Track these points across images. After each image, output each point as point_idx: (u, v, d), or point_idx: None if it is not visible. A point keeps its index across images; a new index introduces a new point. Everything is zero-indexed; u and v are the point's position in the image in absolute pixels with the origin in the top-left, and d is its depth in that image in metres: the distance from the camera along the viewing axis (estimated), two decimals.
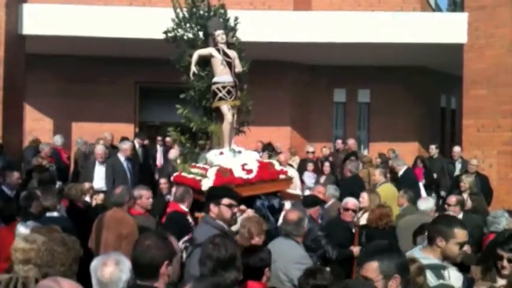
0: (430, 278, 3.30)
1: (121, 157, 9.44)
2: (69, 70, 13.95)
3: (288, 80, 14.45)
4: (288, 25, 12.18)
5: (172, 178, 7.99)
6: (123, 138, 11.35)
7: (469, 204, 7.67)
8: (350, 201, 6.76)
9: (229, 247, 3.25)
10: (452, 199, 7.20)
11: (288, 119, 14.58)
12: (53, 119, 14.25)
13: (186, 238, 5.25)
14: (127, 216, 5.76)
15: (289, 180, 7.64)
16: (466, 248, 3.45)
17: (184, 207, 6.34)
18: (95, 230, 5.68)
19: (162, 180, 8.53)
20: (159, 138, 13.13)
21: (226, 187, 5.11)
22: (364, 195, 7.30)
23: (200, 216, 6.29)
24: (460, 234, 3.42)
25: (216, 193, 4.46)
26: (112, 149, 11.03)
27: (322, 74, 14.93)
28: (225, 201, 4.26)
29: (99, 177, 9.39)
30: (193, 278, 1.99)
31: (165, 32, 8.58)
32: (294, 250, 4.55)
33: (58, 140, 11.17)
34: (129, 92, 14.41)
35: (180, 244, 4.73)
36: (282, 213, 7.23)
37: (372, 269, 2.63)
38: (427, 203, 6.89)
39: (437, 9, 17.12)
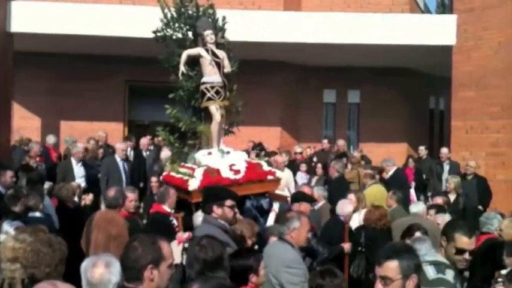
0: (431, 271, 3.38)
1: (117, 157, 9.41)
2: (58, 68, 13.85)
3: (278, 80, 14.45)
4: (277, 25, 12.19)
5: (161, 177, 7.99)
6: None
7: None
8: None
9: (216, 248, 3.24)
10: (438, 200, 7.26)
11: (278, 119, 14.58)
12: (41, 117, 14.14)
13: (185, 237, 5.24)
14: (117, 216, 5.76)
15: (277, 181, 7.60)
16: (467, 257, 3.47)
17: (166, 208, 6.33)
18: (86, 229, 5.67)
19: (153, 179, 8.51)
20: (148, 137, 13.06)
21: (225, 188, 5.14)
22: (352, 196, 7.31)
23: (179, 217, 6.32)
24: (460, 239, 3.46)
25: (219, 194, 4.51)
26: (107, 147, 10.99)
27: (312, 75, 14.95)
28: (228, 202, 4.36)
29: (79, 176, 9.29)
30: (199, 279, 1.97)
31: (154, 32, 8.56)
32: (286, 253, 4.49)
33: (51, 139, 11.13)
34: (118, 90, 14.34)
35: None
36: (270, 214, 7.26)
37: (392, 267, 2.68)
38: (418, 206, 6.92)
39: (427, 11, 17.21)
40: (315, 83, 15.12)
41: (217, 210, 4.32)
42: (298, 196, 6.72)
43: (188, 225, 6.09)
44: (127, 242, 2.88)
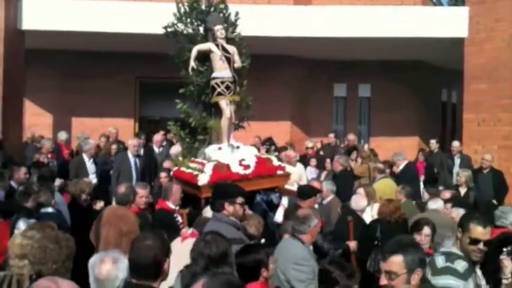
0: (440, 260, 3.45)
1: (129, 154, 9.47)
2: (69, 65, 13.94)
3: (288, 75, 14.41)
4: (288, 19, 12.14)
5: (171, 172, 8.01)
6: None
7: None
8: None
9: (220, 244, 3.25)
10: (446, 194, 7.23)
11: (288, 113, 14.55)
12: (53, 114, 14.26)
13: (189, 234, 5.23)
14: (128, 213, 5.76)
15: (286, 176, 7.58)
16: (481, 247, 3.46)
17: (170, 204, 6.29)
18: (95, 225, 5.69)
19: (162, 174, 8.54)
20: (161, 133, 13.03)
21: (235, 185, 5.09)
22: (361, 191, 7.26)
23: (184, 213, 6.28)
24: (474, 229, 3.47)
25: (230, 192, 4.46)
26: (118, 143, 11.00)
27: (323, 69, 14.89)
28: (239, 199, 4.32)
29: (91, 173, 9.39)
30: (207, 274, 1.99)
31: (165, 27, 8.59)
32: (296, 250, 4.47)
33: (62, 135, 11.20)
34: (129, 86, 14.40)
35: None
36: (279, 209, 7.22)
37: (397, 262, 2.72)
38: (436, 202, 6.82)
39: (438, 3, 17.05)
40: (325, 77, 15.06)
41: (228, 208, 4.28)
42: (306, 191, 6.59)
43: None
44: (134, 241, 2.91)
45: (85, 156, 9.51)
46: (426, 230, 5.14)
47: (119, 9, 11.89)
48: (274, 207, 7.39)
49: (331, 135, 12.88)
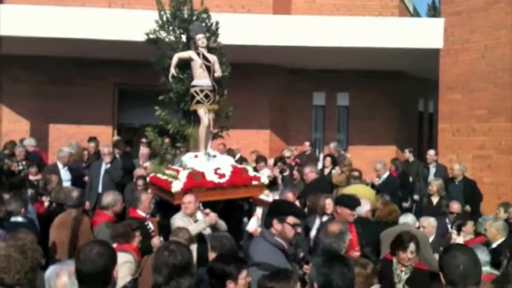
0: None
1: (102, 161, 9.48)
2: (47, 71, 13.82)
3: (267, 83, 14.49)
4: (267, 29, 12.22)
5: (148, 179, 8.04)
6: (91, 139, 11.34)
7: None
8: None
9: (184, 254, 3.25)
10: (454, 206, 7.40)
11: (267, 122, 14.61)
12: (30, 120, 14.11)
13: (157, 243, 5.20)
14: (81, 216, 5.86)
15: (261, 186, 7.63)
16: None
17: (140, 212, 6.29)
18: (51, 231, 5.77)
19: (139, 182, 8.45)
20: (143, 140, 12.79)
21: (292, 204, 4.73)
22: (329, 201, 7.22)
23: (155, 221, 6.36)
24: None
25: (282, 209, 4.13)
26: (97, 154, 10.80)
27: (302, 78, 15.01)
28: (290, 219, 3.95)
29: (65, 180, 9.34)
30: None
31: (147, 34, 8.61)
32: None
33: (31, 141, 11.02)
34: (107, 93, 14.31)
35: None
36: (252, 219, 7.23)
37: None
38: (407, 217, 6.83)
39: (416, 14, 17.30)
40: (304, 86, 15.17)
41: (276, 226, 3.93)
42: (341, 200, 6.06)
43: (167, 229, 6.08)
44: (81, 251, 2.83)
45: (59, 164, 9.48)
46: (412, 246, 5.04)
47: (96, 16, 11.85)
48: (243, 212, 7.43)
49: (307, 143, 12.90)
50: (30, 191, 7.53)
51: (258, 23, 12.33)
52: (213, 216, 6.27)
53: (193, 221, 6.12)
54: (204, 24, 8.52)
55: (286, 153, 12.01)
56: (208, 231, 6.16)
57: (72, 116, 13.88)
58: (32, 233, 4.13)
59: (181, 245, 3.36)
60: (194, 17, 8.61)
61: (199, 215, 6.36)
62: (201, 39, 7.82)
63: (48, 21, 11.61)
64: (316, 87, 15.40)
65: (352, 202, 5.87)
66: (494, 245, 5.85)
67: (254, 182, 7.50)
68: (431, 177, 10.20)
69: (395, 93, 15.36)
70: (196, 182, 6.94)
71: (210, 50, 8.06)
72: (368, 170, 11.61)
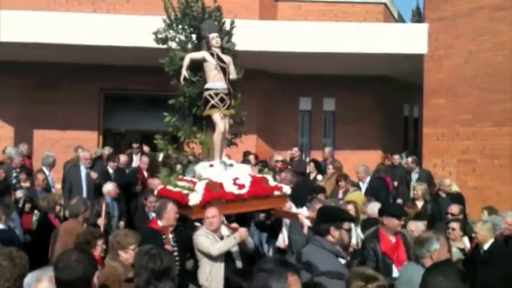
0: None
1: (81, 166, 9.27)
2: (32, 77, 13.72)
3: (254, 88, 14.44)
4: (253, 34, 12.25)
5: (156, 192, 7.37)
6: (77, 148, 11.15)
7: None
8: None
9: (165, 258, 3.22)
10: (454, 209, 7.46)
11: (254, 126, 14.58)
12: (14, 126, 13.97)
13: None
14: (78, 226, 5.71)
15: (284, 197, 6.96)
16: None
17: (160, 223, 5.82)
18: (51, 241, 5.65)
19: (150, 199, 7.77)
20: (135, 145, 12.49)
21: (342, 209, 4.58)
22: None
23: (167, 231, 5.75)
24: None
25: (337, 215, 4.02)
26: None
27: (288, 83, 15.06)
28: (346, 225, 3.93)
29: (52, 186, 9.35)
30: None
31: (155, 33, 7.97)
32: (413, 276, 3.85)
33: (10, 151, 10.50)
34: (93, 99, 14.22)
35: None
36: (281, 234, 6.83)
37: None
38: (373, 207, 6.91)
39: (401, 20, 17.47)
40: (290, 91, 15.22)
41: (334, 233, 3.81)
42: (387, 209, 5.62)
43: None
44: (59, 259, 2.81)
45: (45, 170, 9.37)
46: None
47: (81, 21, 11.79)
48: (266, 228, 7.14)
49: (295, 149, 12.93)
50: (22, 197, 7.47)
51: (245, 28, 12.31)
52: (243, 231, 5.76)
53: (218, 237, 5.69)
54: (216, 23, 7.81)
55: (278, 157, 11.95)
56: (235, 248, 5.74)
57: (58, 121, 13.78)
58: (12, 240, 4.08)
59: (163, 250, 3.34)
60: (206, 15, 7.86)
61: (224, 231, 5.91)
62: (215, 38, 7.15)
63: (33, 27, 11.53)
64: (303, 93, 15.46)
65: (398, 211, 5.53)
66: (486, 247, 6.00)
67: (276, 193, 6.85)
68: (413, 182, 10.23)
69: (380, 98, 15.48)
70: (215, 194, 6.29)
71: (223, 50, 7.38)
72: (354, 174, 11.64)
